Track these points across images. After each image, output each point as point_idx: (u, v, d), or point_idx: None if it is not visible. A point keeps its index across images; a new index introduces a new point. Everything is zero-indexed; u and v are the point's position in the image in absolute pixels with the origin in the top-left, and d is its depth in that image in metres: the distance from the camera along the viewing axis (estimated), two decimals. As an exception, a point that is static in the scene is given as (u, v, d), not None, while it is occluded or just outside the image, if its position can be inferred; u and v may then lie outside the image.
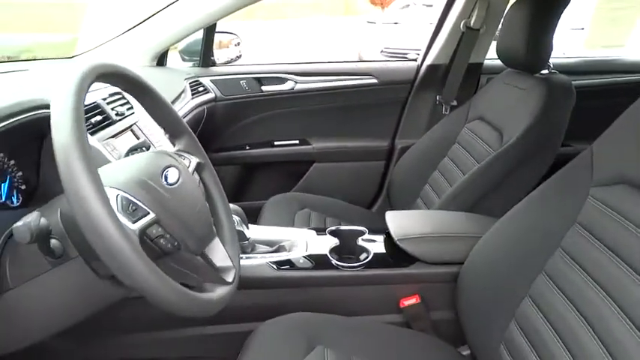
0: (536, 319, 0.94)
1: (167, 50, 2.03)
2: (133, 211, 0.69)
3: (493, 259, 1.12)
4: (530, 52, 1.50)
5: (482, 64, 2.16)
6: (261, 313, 1.16)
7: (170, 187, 0.76)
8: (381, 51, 6.99)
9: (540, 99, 1.45)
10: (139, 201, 0.70)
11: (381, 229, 1.35)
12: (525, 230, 1.06)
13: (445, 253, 1.24)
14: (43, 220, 0.65)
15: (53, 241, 0.70)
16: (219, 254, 0.86)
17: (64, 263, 0.72)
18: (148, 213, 0.70)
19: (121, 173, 0.73)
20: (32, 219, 0.64)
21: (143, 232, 0.68)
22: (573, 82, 1.53)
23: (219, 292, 0.79)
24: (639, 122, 0.92)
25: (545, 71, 1.57)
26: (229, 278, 0.85)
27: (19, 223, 0.64)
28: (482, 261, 1.15)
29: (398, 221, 1.31)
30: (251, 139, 2.26)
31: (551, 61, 1.59)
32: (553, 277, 0.95)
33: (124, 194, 0.69)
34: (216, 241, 0.87)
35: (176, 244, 0.73)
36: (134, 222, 0.67)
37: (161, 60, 2.02)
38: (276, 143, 2.26)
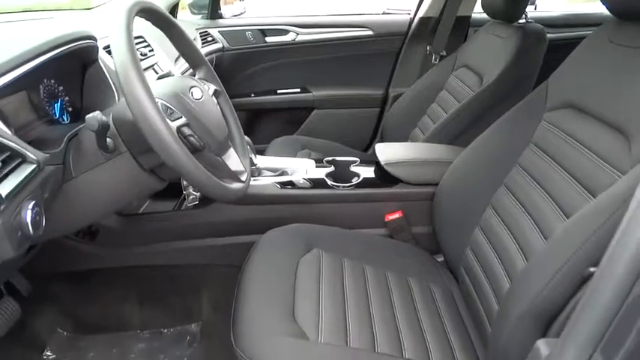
0: (495, 222, 1.15)
1: (177, 3, 2.19)
2: (170, 114, 0.89)
3: (463, 179, 1.33)
4: (508, 2, 1.67)
5: (470, 17, 2.32)
6: (267, 226, 1.37)
7: (196, 101, 0.95)
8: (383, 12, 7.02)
9: (515, 45, 1.64)
10: (174, 108, 0.90)
11: (372, 161, 1.55)
12: (489, 152, 1.26)
13: (424, 175, 1.44)
14: (104, 117, 0.85)
15: (107, 139, 0.90)
16: (234, 161, 1.06)
17: (115, 157, 0.92)
18: (181, 117, 0.90)
19: (159, 87, 0.93)
20: (97, 114, 0.84)
21: (178, 130, 0.88)
22: (551, 35, 1.70)
23: (236, 185, 1.00)
24: (584, 56, 1.11)
25: (522, 21, 1.74)
26: (243, 178, 1.05)
27: (90, 115, 0.83)
28: (454, 181, 1.35)
29: (385, 149, 1.51)
30: (256, 87, 2.45)
31: (532, 15, 1.76)
32: (510, 188, 1.15)
33: (163, 102, 0.90)
34: (232, 150, 1.07)
35: (202, 144, 0.93)
36: (172, 121, 0.88)
37: (172, 12, 2.18)
38: (278, 91, 2.45)
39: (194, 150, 0.91)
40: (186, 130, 0.90)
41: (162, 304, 1.50)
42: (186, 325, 1.49)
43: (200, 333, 1.46)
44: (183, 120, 0.90)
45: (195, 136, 0.91)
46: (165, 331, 1.49)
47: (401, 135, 2.10)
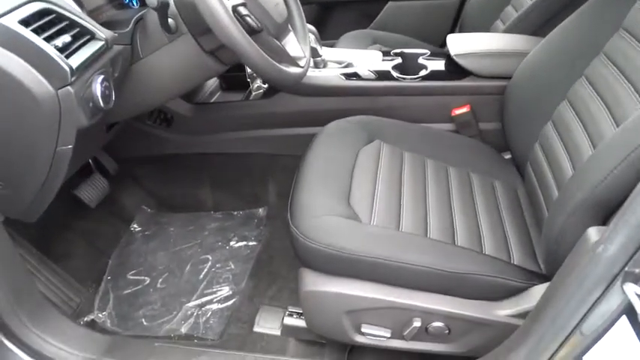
0: (569, 117, 1.07)
1: None
2: None
3: (539, 71, 1.23)
4: None
5: None
6: (331, 118, 1.38)
7: None
8: None
9: None
10: None
11: (443, 54, 1.47)
12: (571, 41, 1.15)
13: (496, 67, 1.36)
14: None
15: (169, 20, 0.93)
16: (293, 46, 1.06)
17: (177, 38, 0.95)
18: None
19: None
20: None
21: (234, 9, 0.88)
22: None
23: (294, 70, 1.00)
24: None
25: None
26: (302, 63, 1.05)
27: None
28: (529, 73, 1.26)
29: (457, 40, 1.42)
30: (327, -22, 2.34)
31: None
32: (591, 79, 1.05)
33: (219, -20, 0.89)
34: (291, 35, 1.06)
35: (259, 25, 0.93)
36: (227, 0, 0.88)
37: None
38: (351, -18, 2.33)
39: (251, 31, 0.92)
40: (243, 10, 0.90)
41: (233, 188, 1.60)
42: (254, 209, 1.59)
43: (266, 216, 1.56)
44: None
45: (252, 17, 0.91)
46: (236, 213, 1.60)
47: (481, 27, 1.95)
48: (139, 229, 1.56)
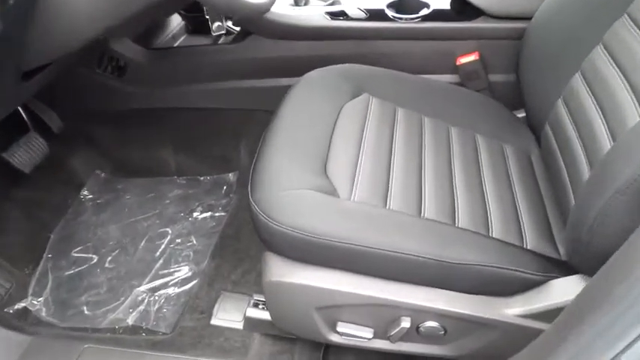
0: (604, 66, 0.84)
1: None
2: None
3: (567, 9, 0.99)
4: None
5: None
6: (313, 66, 1.14)
7: None
8: None
9: None
10: None
11: None
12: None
13: (514, 5, 1.11)
14: None
15: None
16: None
17: None
18: None
19: None
20: None
21: None
22: None
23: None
24: None
25: None
26: None
27: None
28: (553, 14, 1.02)
29: (466, -29, 1.17)
30: None
31: None
32: (636, 18, 0.82)
33: None
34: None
35: None
36: None
37: None
38: None
39: None
40: None
41: (200, 150, 1.38)
42: (223, 174, 1.37)
43: (237, 182, 1.34)
44: None
45: None
46: (202, 178, 1.38)
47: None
48: (90, 196, 1.35)
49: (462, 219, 0.83)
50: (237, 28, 1.33)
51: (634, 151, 0.62)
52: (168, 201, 1.32)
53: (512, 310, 0.77)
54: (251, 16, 0.76)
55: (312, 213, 0.77)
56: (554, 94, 0.95)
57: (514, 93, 1.14)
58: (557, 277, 0.76)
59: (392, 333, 0.80)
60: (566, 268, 0.78)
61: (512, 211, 0.88)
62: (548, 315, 0.73)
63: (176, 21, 1.47)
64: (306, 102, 0.99)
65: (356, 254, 0.74)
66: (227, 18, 1.11)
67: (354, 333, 0.81)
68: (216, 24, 1.06)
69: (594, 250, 0.66)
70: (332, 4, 1.24)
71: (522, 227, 0.85)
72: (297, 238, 0.74)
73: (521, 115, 1.16)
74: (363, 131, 0.95)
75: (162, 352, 0.87)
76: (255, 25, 1.17)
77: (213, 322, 0.97)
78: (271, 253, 0.81)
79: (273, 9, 1.10)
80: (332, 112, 0.97)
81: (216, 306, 1.00)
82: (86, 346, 0.87)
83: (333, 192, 0.82)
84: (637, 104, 0.73)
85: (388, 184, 0.86)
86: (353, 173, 0.86)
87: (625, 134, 0.69)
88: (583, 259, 0.71)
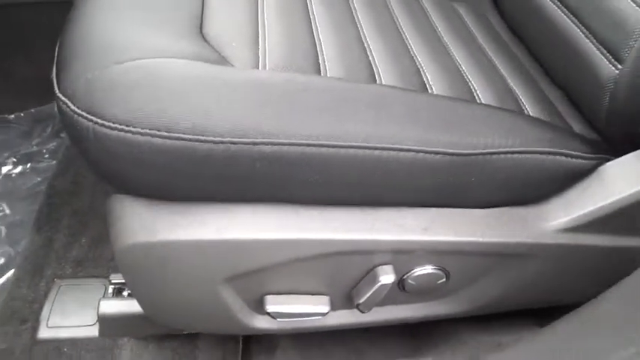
0: None
1: None
2: None
3: None
4: None
5: None
6: None
7: None
8: None
9: None
10: None
11: None
12: None
13: None
14: None
15: None
16: None
17: None
18: None
19: None
20: None
21: None
22: None
23: None
24: None
25: None
26: None
27: None
28: None
29: None
30: None
31: None
32: None
33: None
34: None
35: None
36: None
37: None
38: None
39: None
40: None
41: (4, 71, 0.89)
42: (48, 105, 0.90)
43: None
44: None
45: None
46: (13, 117, 0.90)
47: None
48: None
49: (436, 87, 0.50)
50: None
51: None
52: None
53: (552, 222, 0.46)
54: None
55: (181, 93, 0.39)
56: None
57: None
58: (608, 160, 0.47)
59: (363, 298, 0.46)
60: (612, 148, 0.49)
61: (496, 76, 0.57)
62: (607, 222, 0.45)
63: None
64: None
65: (286, 163, 0.38)
66: None
67: (298, 309, 0.46)
68: None
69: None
70: None
71: (517, 96, 0.55)
72: (157, 146, 0.36)
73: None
74: None
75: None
76: None
77: (43, 334, 0.56)
78: (120, 196, 0.43)
79: None
80: None
81: (47, 306, 0.58)
82: None
83: (220, 61, 0.44)
84: None
85: (315, 46, 0.50)
86: (254, 35, 0.49)
87: None
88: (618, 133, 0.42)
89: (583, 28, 0.48)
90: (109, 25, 0.45)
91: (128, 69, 0.40)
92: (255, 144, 0.37)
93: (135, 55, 0.41)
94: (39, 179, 0.80)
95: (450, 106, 0.45)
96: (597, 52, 0.46)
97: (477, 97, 0.52)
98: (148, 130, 0.36)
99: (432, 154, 0.40)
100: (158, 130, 0.36)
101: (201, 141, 0.36)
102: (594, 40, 0.46)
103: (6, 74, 0.89)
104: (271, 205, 0.42)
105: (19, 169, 0.82)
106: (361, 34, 0.56)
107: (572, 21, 0.50)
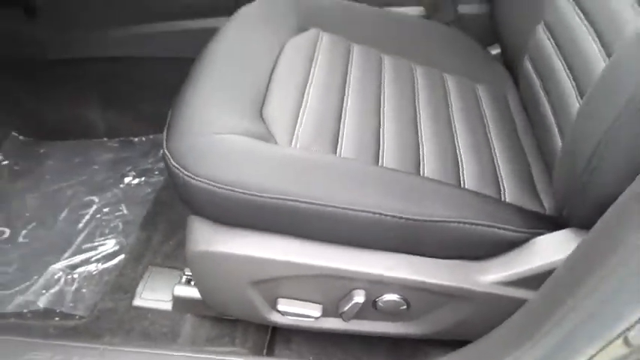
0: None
1: None
2: None
3: None
4: None
5: None
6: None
7: None
8: None
9: None
10: None
11: None
12: None
13: None
14: None
15: None
16: None
17: None
18: None
19: None
20: None
21: None
22: None
23: None
24: None
25: None
26: None
27: None
28: None
29: None
30: None
31: None
32: None
33: None
34: None
35: None
36: None
37: None
38: None
39: None
40: None
41: (131, 107, 1.20)
42: (160, 134, 1.19)
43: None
44: None
45: None
46: (136, 140, 1.21)
47: None
48: (6, 162, 1.16)
49: (429, 168, 0.69)
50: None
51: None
52: (96, 166, 1.14)
53: (488, 276, 0.63)
54: None
55: (239, 162, 0.61)
56: (533, 19, 0.80)
57: (486, 26, 0.99)
58: (542, 233, 0.62)
59: (344, 309, 0.65)
60: (552, 224, 0.64)
61: (487, 159, 0.74)
62: (533, 281, 0.60)
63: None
64: (241, 37, 0.82)
65: (297, 213, 0.59)
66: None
67: (298, 311, 0.67)
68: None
69: (592, 193, 0.52)
70: None
71: (500, 178, 0.71)
72: (222, 194, 0.59)
73: (495, 51, 1.02)
74: (309, 70, 0.79)
75: (71, 342, 0.71)
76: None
77: (137, 302, 0.82)
78: (195, 217, 0.66)
79: None
80: (272, 48, 0.81)
81: (142, 284, 0.84)
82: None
83: (268, 138, 0.66)
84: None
85: (339, 128, 0.71)
86: (295, 117, 0.71)
87: (623, 47, 0.54)
88: (577, 208, 0.57)
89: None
90: (199, 103, 0.69)
91: (208, 140, 0.63)
92: (281, 200, 0.59)
93: (215, 130, 0.64)
94: (149, 190, 1.09)
95: (417, 182, 0.64)
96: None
97: (462, 177, 0.69)
98: (221, 185, 0.59)
99: (396, 218, 0.59)
100: (227, 186, 0.59)
101: (251, 195, 0.59)
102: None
103: (135, 109, 1.20)
104: (285, 237, 0.63)
105: (137, 180, 1.11)
106: (381, 119, 0.75)
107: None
